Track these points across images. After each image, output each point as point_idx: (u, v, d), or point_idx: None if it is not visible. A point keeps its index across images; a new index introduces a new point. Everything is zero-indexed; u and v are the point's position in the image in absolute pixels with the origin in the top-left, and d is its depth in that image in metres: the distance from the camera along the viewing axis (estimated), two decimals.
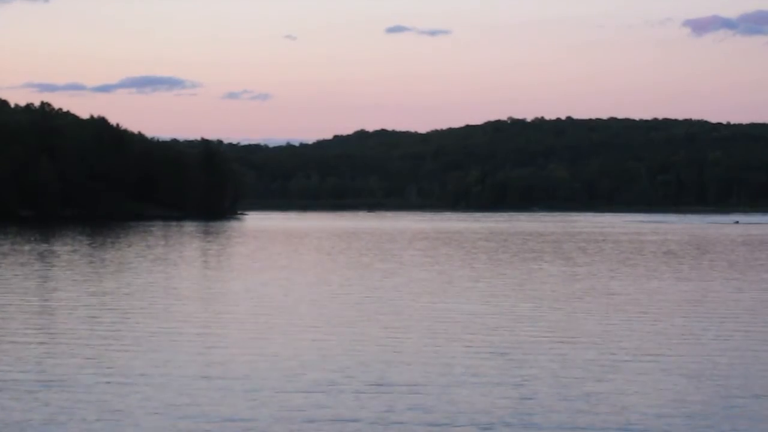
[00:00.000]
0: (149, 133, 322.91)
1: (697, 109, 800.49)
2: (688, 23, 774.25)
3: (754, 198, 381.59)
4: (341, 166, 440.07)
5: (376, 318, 37.62)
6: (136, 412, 21.07)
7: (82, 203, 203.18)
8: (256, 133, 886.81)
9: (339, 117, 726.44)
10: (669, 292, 48.74)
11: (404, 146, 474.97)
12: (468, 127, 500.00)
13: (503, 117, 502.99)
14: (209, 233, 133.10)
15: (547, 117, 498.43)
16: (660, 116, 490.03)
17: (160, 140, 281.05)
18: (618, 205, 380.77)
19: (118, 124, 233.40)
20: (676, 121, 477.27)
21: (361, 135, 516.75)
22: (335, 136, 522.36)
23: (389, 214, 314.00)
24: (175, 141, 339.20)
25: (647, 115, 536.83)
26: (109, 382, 24.22)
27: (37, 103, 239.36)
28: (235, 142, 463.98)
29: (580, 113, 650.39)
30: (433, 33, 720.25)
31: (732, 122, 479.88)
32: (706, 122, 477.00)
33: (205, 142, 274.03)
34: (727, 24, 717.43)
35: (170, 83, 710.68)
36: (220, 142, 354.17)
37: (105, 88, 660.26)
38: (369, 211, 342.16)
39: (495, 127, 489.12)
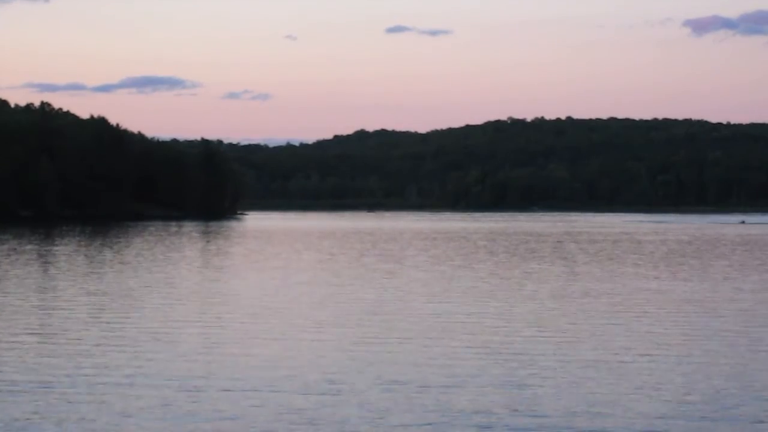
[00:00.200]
0: (149, 133, 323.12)
1: (697, 109, 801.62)
2: (688, 23, 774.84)
3: (754, 198, 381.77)
4: (341, 166, 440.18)
5: (376, 318, 37.61)
6: (136, 412, 21.07)
7: (82, 203, 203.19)
8: (256, 133, 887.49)
9: (339, 117, 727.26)
10: (668, 292, 48.74)
11: (404, 146, 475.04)
12: (468, 127, 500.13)
13: (503, 117, 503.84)
14: (209, 233, 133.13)
15: (547, 117, 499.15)
16: (660, 116, 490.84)
17: (160, 140, 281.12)
18: (618, 205, 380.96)
19: (118, 124, 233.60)
20: (676, 121, 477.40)
21: (361, 135, 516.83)
22: (335, 136, 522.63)
23: (389, 214, 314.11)
24: (175, 141, 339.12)
25: (647, 115, 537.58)
26: (108, 383, 24.22)
27: (37, 103, 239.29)
28: (235, 142, 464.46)
29: (580, 113, 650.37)
30: (433, 33, 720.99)
31: (732, 122, 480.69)
32: (706, 122, 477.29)
33: (205, 142, 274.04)
34: (728, 24, 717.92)
35: (170, 83, 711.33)
36: (220, 142, 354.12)
37: (105, 88, 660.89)
38: (369, 211, 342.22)
39: (495, 127, 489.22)
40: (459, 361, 27.74)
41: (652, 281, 55.43)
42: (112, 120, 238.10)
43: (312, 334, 33.29)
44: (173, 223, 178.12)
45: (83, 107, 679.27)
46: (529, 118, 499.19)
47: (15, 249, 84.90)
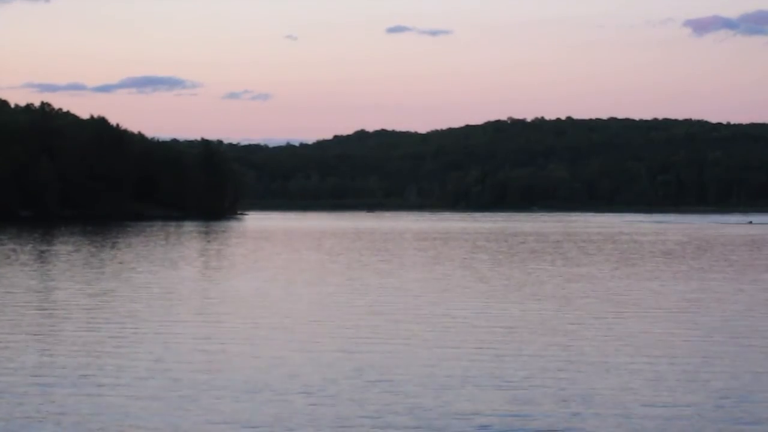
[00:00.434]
0: (149, 133, 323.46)
1: (697, 109, 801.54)
2: (688, 23, 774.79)
3: (754, 198, 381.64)
4: (341, 166, 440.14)
5: (376, 318, 37.63)
6: (136, 412, 21.10)
7: (82, 203, 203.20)
8: (256, 133, 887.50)
9: (339, 117, 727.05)
10: (668, 293, 48.78)
11: (404, 146, 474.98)
12: (468, 127, 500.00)
13: (503, 117, 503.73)
14: (209, 233, 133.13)
15: (547, 117, 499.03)
16: (660, 116, 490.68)
17: (160, 140, 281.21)
18: (618, 205, 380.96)
19: (118, 124, 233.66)
20: (676, 121, 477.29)
21: (361, 135, 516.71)
22: (335, 136, 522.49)
23: (389, 214, 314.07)
24: (175, 141, 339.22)
25: (647, 115, 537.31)
26: (108, 383, 24.24)
27: (37, 103, 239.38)
28: (235, 142, 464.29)
29: (580, 113, 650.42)
30: (433, 33, 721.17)
31: (732, 122, 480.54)
32: (706, 122, 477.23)
33: (205, 142, 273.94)
34: (728, 24, 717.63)
35: (170, 83, 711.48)
36: (220, 142, 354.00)
37: (105, 88, 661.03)
38: (369, 211, 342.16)
39: (495, 127, 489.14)
40: (458, 361, 27.76)
41: (654, 282, 55.45)
42: (112, 120, 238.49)
43: (311, 334, 33.31)
44: (173, 223, 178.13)
45: (83, 107, 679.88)
46: (529, 118, 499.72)
47: (15, 249, 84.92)
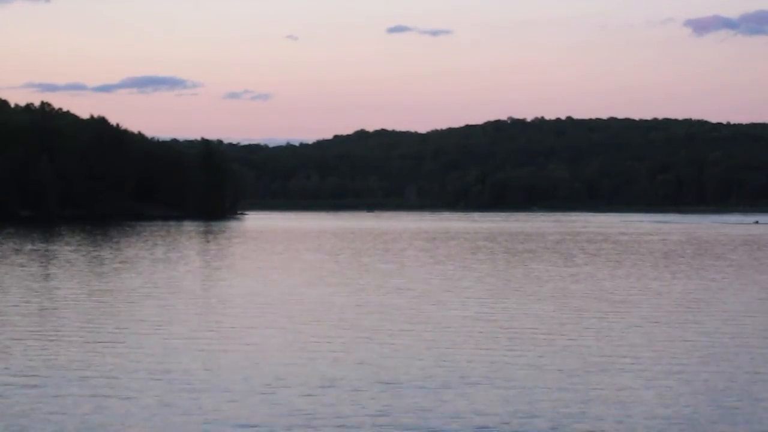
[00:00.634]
0: (149, 133, 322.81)
1: (697, 109, 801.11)
2: (689, 23, 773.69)
3: (754, 198, 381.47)
4: (341, 166, 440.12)
5: (376, 318, 37.64)
6: (136, 412, 21.11)
7: (82, 203, 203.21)
8: (257, 133, 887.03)
9: (339, 117, 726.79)
10: (668, 293, 48.79)
11: (404, 146, 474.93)
12: (468, 127, 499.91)
13: (503, 117, 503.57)
14: (209, 233, 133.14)
15: (547, 117, 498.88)
16: (660, 116, 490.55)
17: (160, 140, 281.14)
18: (618, 205, 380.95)
19: (118, 124, 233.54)
20: (676, 121, 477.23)
21: (361, 135, 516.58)
22: (335, 136, 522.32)
23: (389, 214, 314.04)
24: (175, 141, 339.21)
25: (647, 115, 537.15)
26: (108, 383, 24.25)
27: (37, 103, 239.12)
28: (235, 142, 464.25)
29: (580, 113, 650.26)
30: (434, 33, 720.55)
31: (732, 122, 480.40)
32: (706, 122, 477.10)
33: (205, 142, 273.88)
34: (729, 24, 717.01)
35: (171, 83, 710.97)
36: (220, 142, 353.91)
37: (106, 88, 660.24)
38: (369, 211, 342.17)
39: (495, 127, 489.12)
40: (458, 361, 27.77)
41: (655, 282, 55.47)
42: (112, 120, 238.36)
43: (311, 333, 33.32)
44: (173, 223, 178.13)
45: (83, 107, 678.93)
46: (529, 118, 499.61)
47: (15, 249, 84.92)
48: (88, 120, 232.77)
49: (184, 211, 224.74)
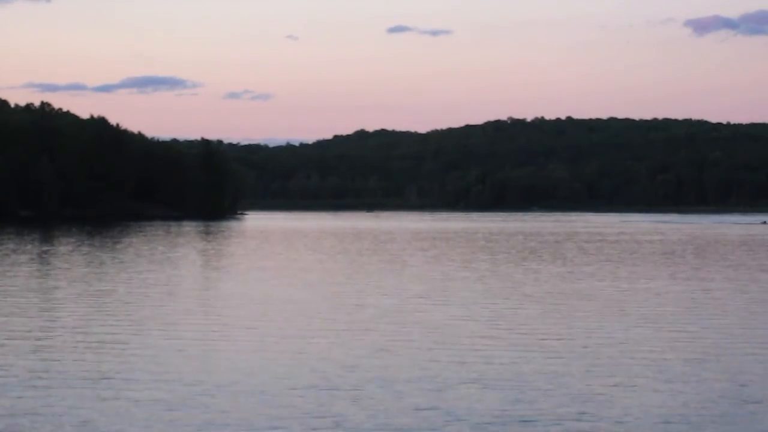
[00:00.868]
0: (149, 133, 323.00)
1: (697, 109, 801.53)
2: (689, 23, 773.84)
3: (754, 198, 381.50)
4: (341, 166, 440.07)
5: (376, 318, 37.65)
6: (136, 412, 21.11)
7: (82, 203, 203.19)
8: (257, 133, 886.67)
9: (339, 117, 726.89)
10: (668, 293, 48.79)
11: (404, 146, 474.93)
12: (468, 127, 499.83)
13: (503, 117, 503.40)
14: (209, 233, 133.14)
15: (547, 117, 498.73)
16: (660, 116, 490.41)
17: (160, 140, 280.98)
18: (618, 205, 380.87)
19: (118, 124, 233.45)
20: (676, 121, 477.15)
21: (361, 135, 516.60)
22: (335, 136, 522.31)
23: (389, 214, 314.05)
24: (175, 141, 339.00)
25: (647, 115, 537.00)
26: (108, 383, 24.25)
27: (37, 103, 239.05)
28: (235, 142, 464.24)
29: (580, 113, 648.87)
30: (434, 33, 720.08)
31: (732, 122, 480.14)
32: (706, 122, 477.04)
33: (205, 142, 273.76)
34: (729, 24, 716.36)
35: (171, 83, 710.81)
36: (220, 142, 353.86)
37: (106, 88, 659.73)
38: (369, 211, 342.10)
39: (495, 127, 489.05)
40: (458, 361, 27.78)
41: (656, 282, 55.48)
42: (112, 120, 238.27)
43: (311, 333, 33.32)
44: (173, 223, 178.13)
45: (83, 107, 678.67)
46: (529, 118, 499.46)
47: (15, 249, 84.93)
48: (88, 120, 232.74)
49: (184, 211, 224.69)
